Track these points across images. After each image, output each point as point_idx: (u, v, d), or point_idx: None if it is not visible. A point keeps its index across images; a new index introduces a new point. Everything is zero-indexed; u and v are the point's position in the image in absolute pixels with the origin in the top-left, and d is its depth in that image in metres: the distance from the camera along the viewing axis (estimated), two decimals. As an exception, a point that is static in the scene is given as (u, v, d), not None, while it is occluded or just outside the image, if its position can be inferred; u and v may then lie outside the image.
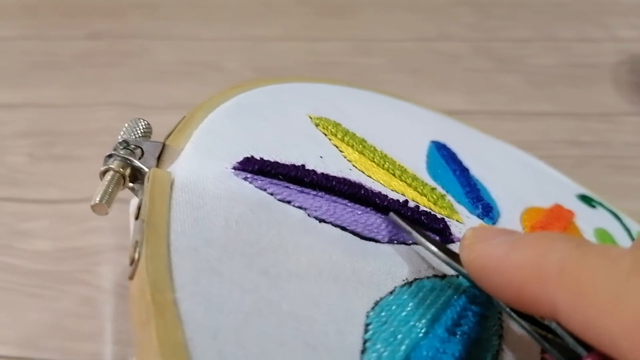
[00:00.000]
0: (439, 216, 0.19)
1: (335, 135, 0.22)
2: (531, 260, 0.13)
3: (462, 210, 0.21)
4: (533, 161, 0.31)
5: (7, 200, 0.38)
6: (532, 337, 0.15)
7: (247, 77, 0.49)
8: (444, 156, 0.24)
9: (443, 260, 0.17)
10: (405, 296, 0.16)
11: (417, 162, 0.23)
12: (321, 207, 0.18)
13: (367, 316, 0.15)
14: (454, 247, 0.18)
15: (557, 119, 0.45)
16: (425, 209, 0.19)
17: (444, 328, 0.15)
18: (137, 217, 0.16)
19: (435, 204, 0.20)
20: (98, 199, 0.17)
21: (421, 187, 0.21)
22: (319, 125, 0.22)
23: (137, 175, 0.18)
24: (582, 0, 0.58)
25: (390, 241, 0.18)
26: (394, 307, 0.16)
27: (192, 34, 0.54)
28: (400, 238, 0.18)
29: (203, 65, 0.50)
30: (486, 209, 0.22)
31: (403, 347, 0.14)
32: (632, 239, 0.27)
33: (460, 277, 0.17)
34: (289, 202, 0.17)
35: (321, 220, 0.17)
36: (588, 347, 0.12)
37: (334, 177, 0.19)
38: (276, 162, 0.18)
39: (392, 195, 0.19)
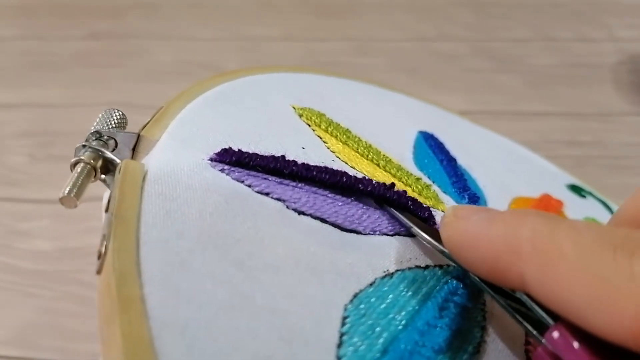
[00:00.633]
0: (424, 205, 0.19)
1: (319, 126, 0.21)
2: (504, 235, 0.13)
3: (448, 200, 0.21)
4: (523, 151, 0.30)
5: (6, 200, 0.38)
6: (506, 311, 0.15)
7: (246, 77, 0.49)
8: (431, 146, 0.24)
9: (425, 241, 0.17)
10: (386, 288, 0.16)
11: (403, 152, 0.23)
12: (300, 198, 0.17)
13: (345, 309, 0.15)
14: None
15: (556, 119, 0.45)
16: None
17: (424, 320, 0.15)
18: (106, 210, 0.15)
19: (420, 194, 0.20)
20: (67, 191, 0.16)
21: (406, 178, 0.21)
22: (302, 115, 0.21)
23: (109, 167, 0.18)
24: (581, 0, 0.58)
25: (372, 232, 0.18)
26: (373, 299, 0.15)
27: (191, 35, 0.54)
28: (383, 229, 0.18)
29: (202, 65, 0.50)
30: (473, 199, 0.22)
31: (381, 340, 0.14)
32: None
33: (443, 268, 0.17)
34: (267, 194, 0.17)
35: (300, 212, 0.17)
36: (556, 318, 0.13)
37: (315, 167, 0.18)
38: (255, 154, 0.18)
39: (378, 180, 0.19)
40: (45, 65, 0.50)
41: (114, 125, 0.19)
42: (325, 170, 0.18)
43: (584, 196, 0.28)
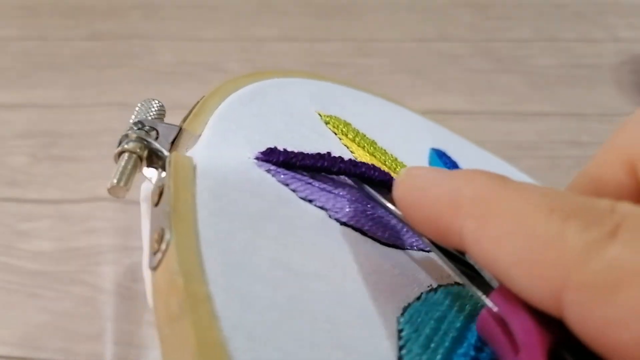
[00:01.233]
0: None
1: (346, 135, 0.21)
2: (449, 192, 0.13)
3: None
4: (518, 174, 0.30)
5: (7, 201, 0.38)
6: (454, 274, 0.14)
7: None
8: (446, 164, 0.24)
9: (392, 212, 0.17)
10: (433, 302, 0.15)
11: None
12: (343, 208, 0.17)
13: (398, 322, 0.14)
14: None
15: (557, 119, 0.45)
16: None
17: (476, 337, 0.14)
18: (156, 204, 0.15)
19: None
20: (115, 181, 0.16)
21: None
22: (329, 123, 0.21)
23: (152, 159, 0.17)
24: (582, 1, 0.58)
25: (409, 247, 0.18)
26: (423, 313, 0.15)
27: (192, 35, 0.54)
28: (420, 245, 0.18)
29: (203, 66, 0.50)
30: None
31: (439, 357, 0.14)
32: None
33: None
34: (310, 201, 0.17)
35: (342, 223, 0.17)
36: None
37: (363, 164, 0.18)
38: (301, 153, 0.17)
39: None
40: (46, 66, 0.50)
41: (154, 116, 0.18)
42: (374, 167, 0.18)
43: None
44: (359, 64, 0.51)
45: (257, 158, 0.17)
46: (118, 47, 0.53)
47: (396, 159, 0.22)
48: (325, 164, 0.17)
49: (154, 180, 0.17)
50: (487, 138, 0.43)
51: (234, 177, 0.16)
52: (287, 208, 0.16)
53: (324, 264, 0.15)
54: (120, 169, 0.16)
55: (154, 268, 0.13)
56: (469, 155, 0.27)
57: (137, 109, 0.18)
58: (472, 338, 0.14)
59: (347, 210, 0.17)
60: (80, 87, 0.48)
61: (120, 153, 0.17)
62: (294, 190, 0.17)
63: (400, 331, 0.14)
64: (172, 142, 0.17)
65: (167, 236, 0.13)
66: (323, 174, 0.18)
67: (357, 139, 0.21)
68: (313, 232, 0.16)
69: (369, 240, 0.17)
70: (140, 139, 0.17)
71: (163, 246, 0.13)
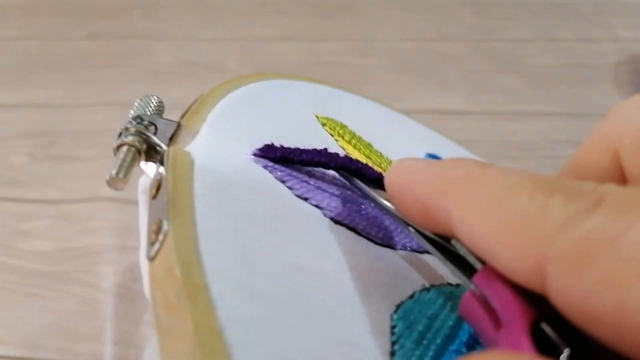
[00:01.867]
0: None
1: (343, 137, 0.21)
2: (437, 176, 0.13)
3: None
4: None
5: (7, 201, 0.38)
6: (439, 260, 0.15)
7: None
8: None
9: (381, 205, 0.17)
10: (426, 301, 0.16)
11: None
12: (337, 207, 0.17)
13: (392, 318, 0.15)
14: None
15: (557, 119, 0.45)
16: None
17: (468, 334, 0.15)
18: (154, 197, 0.15)
19: None
20: (114, 172, 0.16)
21: None
22: (325, 125, 0.21)
23: (151, 154, 0.17)
24: (582, 1, 0.58)
25: (403, 248, 0.18)
26: (416, 311, 0.15)
27: (192, 35, 0.54)
28: (413, 246, 0.18)
29: (203, 65, 0.50)
30: None
31: (431, 353, 0.14)
32: None
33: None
34: (306, 199, 0.17)
35: (337, 222, 0.17)
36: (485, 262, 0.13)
37: (358, 161, 0.18)
38: (297, 149, 0.18)
39: None
40: (46, 66, 0.50)
41: (153, 111, 0.18)
42: (368, 166, 0.18)
43: None
44: (358, 64, 0.51)
45: (254, 154, 0.17)
46: (118, 47, 0.53)
47: (391, 162, 0.22)
48: (323, 159, 0.18)
49: (152, 175, 0.17)
50: (487, 138, 0.43)
51: (232, 173, 0.16)
52: (285, 204, 0.16)
53: (321, 261, 0.15)
54: (119, 161, 0.16)
55: (151, 258, 0.13)
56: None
57: (136, 104, 0.19)
58: (463, 336, 0.15)
59: (342, 209, 0.18)
60: (80, 86, 0.48)
61: (120, 146, 0.17)
62: (290, 188, 0.17)
63: (393, 327, 0.14)
64: (171, 138, 0.17)
65: (164, 227, 0.13)
66: (320, 173, 0.18)
67: (353, 141, 0.21)
68: (310, 229, 0.16)
69: (363, 240, 0.17)
70: (139, 133, 0.17)
71: (161, 237, 0.13)
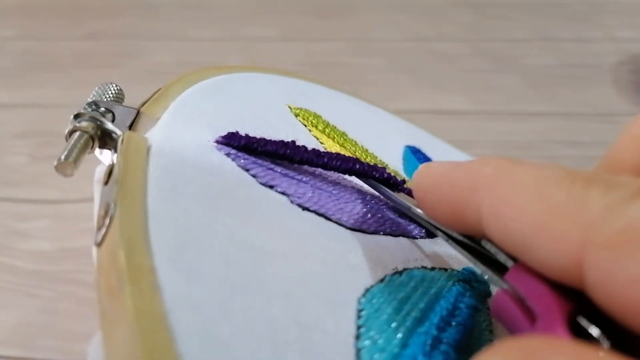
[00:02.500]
0: None
1: (316, 127, 0.21)
2: (467, 174, 0.13)
3: None
4: None
5: (5, 201, 0.38)
6: (469, 260, 0.14)
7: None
8: (420, 160, 0.24)
9: (406, 209, 0.17)
10: (397, 284, 0.16)
11: (394, 164, 0.23)
12: (305, 194, 0.17)
13: (359, 302, 0.15)
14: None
15: (556, 119, 0.45)
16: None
17: (439, 317, 0.15)
18: (106, 183, 0.14)
19: None
20: (63, 157, 0.15)
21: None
22: (298, 115, 0.21)
23: (106, 141, 0.17)
24: (580, 1, 0.58)
25: (375, 232, 0.18)
26: (386, 295, 0.15)
27: (190, 35, 0.54)
28: (387, 229, 0.18)
29: (201, 65, 0.50)
30: None
31: (399, 335, 0.14)
32: None
33: (448, 271, 0.17)
34: (271, 187, 0.17)
35: (304, 208, 0.17)
36: (517, 260, 0.13)
37: (326, 153, 0.18)
38: (263, 139, 0.17)
39: (389, 171, 0.19)
40: (44, 66, 0.50)
41: (111, 98, 0.18)
42: (337, 156, 0.18)
43: None
44: (357, 64, 0.51)
45: (217, 141, 0.17)
46: (116, 47, 0.53)
47: (367, 150, 0.22)
48: (288, 152, 0.17)
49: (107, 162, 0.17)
50: (484, 138, 0.43)
51: (191, 157, 0.16)
52: (247, 190, 0.16)
53: (283, 244, 0.15)
54: (70, 146, 0.16)
55: (98, 244, 0.13)
56: (443, 154, 0.27)
57: (93, 92, 0.18)
58: (434, 318, 0.14)
59: (310, 195, 0.17)
60: (78, 86, 0.48)
61: (72, 132, 0.16)
62: (254, 176, 0.17)
63: (360, 311, 0.14)
64: (130, 126, 0.17)
65: (111, 210, 0.13)
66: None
67: (327, 130, 0.21)
68: (273, 215, 0.16)
69: (333, 225, 0.17)
70: (93, 119, 0.17)
71: (107, 220, 0.13)
